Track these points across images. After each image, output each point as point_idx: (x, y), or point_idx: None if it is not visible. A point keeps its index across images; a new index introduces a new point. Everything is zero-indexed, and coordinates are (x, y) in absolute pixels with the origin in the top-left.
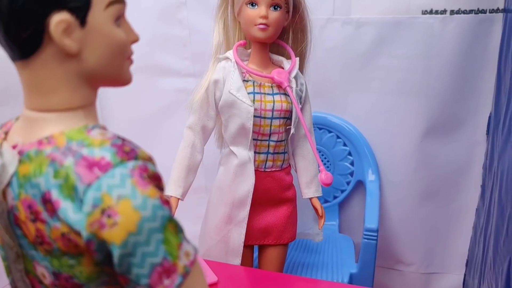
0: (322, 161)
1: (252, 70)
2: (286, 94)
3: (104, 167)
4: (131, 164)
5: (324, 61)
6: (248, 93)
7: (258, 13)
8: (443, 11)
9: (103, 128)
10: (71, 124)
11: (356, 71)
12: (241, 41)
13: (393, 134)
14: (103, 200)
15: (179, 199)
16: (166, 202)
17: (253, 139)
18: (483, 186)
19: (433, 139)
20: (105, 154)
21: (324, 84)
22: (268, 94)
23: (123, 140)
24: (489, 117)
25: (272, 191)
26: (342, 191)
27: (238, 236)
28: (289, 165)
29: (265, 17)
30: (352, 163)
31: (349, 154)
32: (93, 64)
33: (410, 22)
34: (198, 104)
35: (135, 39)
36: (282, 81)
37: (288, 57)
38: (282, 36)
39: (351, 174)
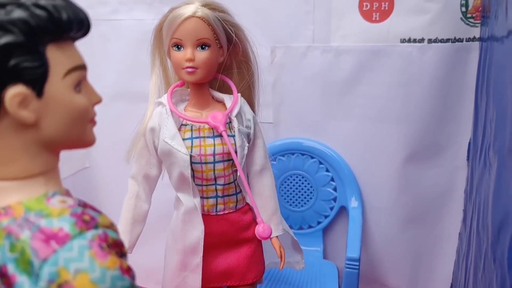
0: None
1: (185, 116)
2: (229, 136)
3: (62, 240)
4: (90, 234)
5: (305, 88)
6: (185, 139)
7: (183, 55)
8: (421, 40)
9: (65, 193)
10: (30, 192)
11: (336, 98)
12: (177, 83)
13: (375, 160)
14: (60, 275)
15: None
16: (127, 270)
17: (198, 185)
18: (465, 211)
19: (415, 165)
20: (64, 225)
21: (306, 111)
22: (208, 137)
23: (84, 207)
24: (469, 143)
25: (228, 234)
26: (326, 217)
27: (194, 282)
28: (247, 203)
29: (191, 59)
30: (335, 189)
31: (332, 179)
32: (52, 132)
33: (389, 50)
34: (138, 152)
35: (98, 101)
36: (217, 126)
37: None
38: (226, 69)
39: (334, 199)
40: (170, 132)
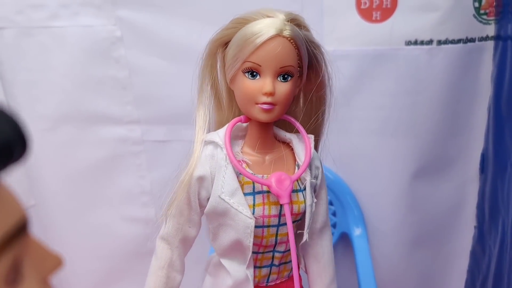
0: None
1: (248, 173)
2: (298, 190)
3: None
4: None
5: None
6: (246, 194)
7: (260, 87)
8: (429, 42)
9: None
10: None
11: (332, 110)
12: (238, 118)
13: (378, 178)
14: None
15: None
16: None
17: (253, 252)
18: (477, 227)
19: (423, 181)
20: None
21: None
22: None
23: None
24: (482, 154)
25: None
26: None
27: None
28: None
29: (271, 93)
30: (334, 213)
31: (330, 203)
32: None
33: (393, 54)
34: (178, 208)
35: None
36: (281, 195)
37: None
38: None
39: (334, 225)
40: (230, 186)
